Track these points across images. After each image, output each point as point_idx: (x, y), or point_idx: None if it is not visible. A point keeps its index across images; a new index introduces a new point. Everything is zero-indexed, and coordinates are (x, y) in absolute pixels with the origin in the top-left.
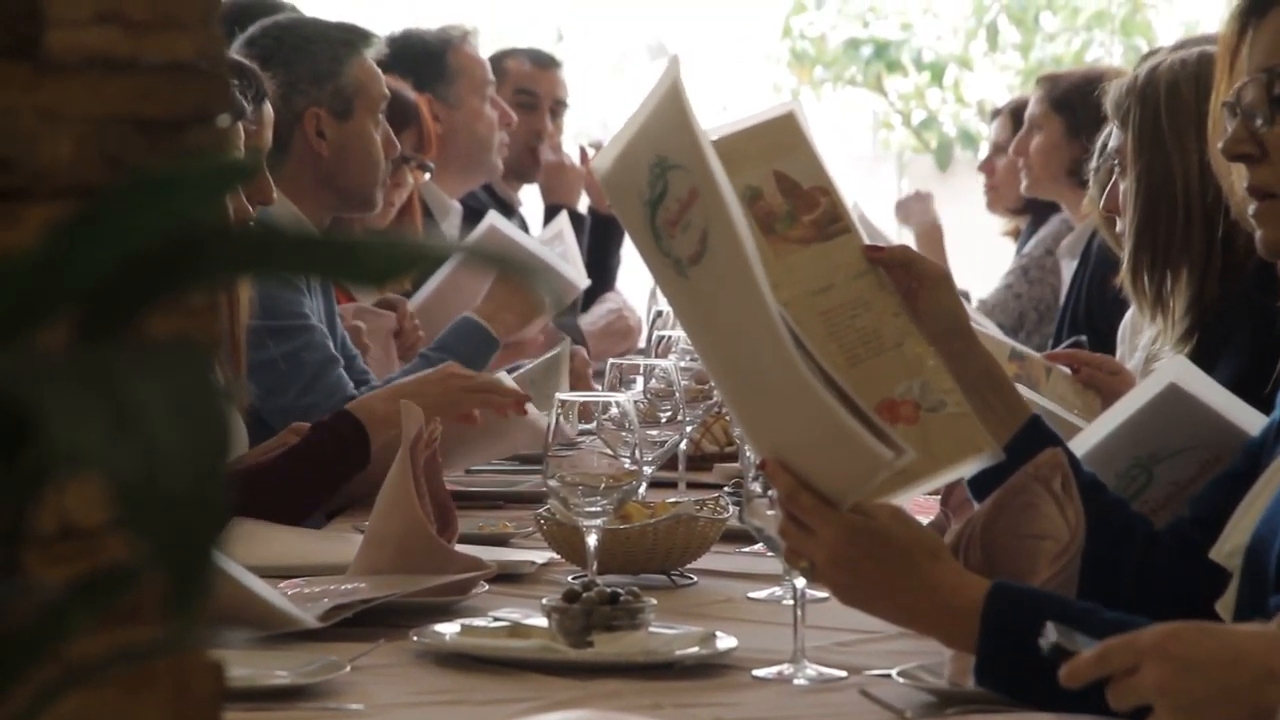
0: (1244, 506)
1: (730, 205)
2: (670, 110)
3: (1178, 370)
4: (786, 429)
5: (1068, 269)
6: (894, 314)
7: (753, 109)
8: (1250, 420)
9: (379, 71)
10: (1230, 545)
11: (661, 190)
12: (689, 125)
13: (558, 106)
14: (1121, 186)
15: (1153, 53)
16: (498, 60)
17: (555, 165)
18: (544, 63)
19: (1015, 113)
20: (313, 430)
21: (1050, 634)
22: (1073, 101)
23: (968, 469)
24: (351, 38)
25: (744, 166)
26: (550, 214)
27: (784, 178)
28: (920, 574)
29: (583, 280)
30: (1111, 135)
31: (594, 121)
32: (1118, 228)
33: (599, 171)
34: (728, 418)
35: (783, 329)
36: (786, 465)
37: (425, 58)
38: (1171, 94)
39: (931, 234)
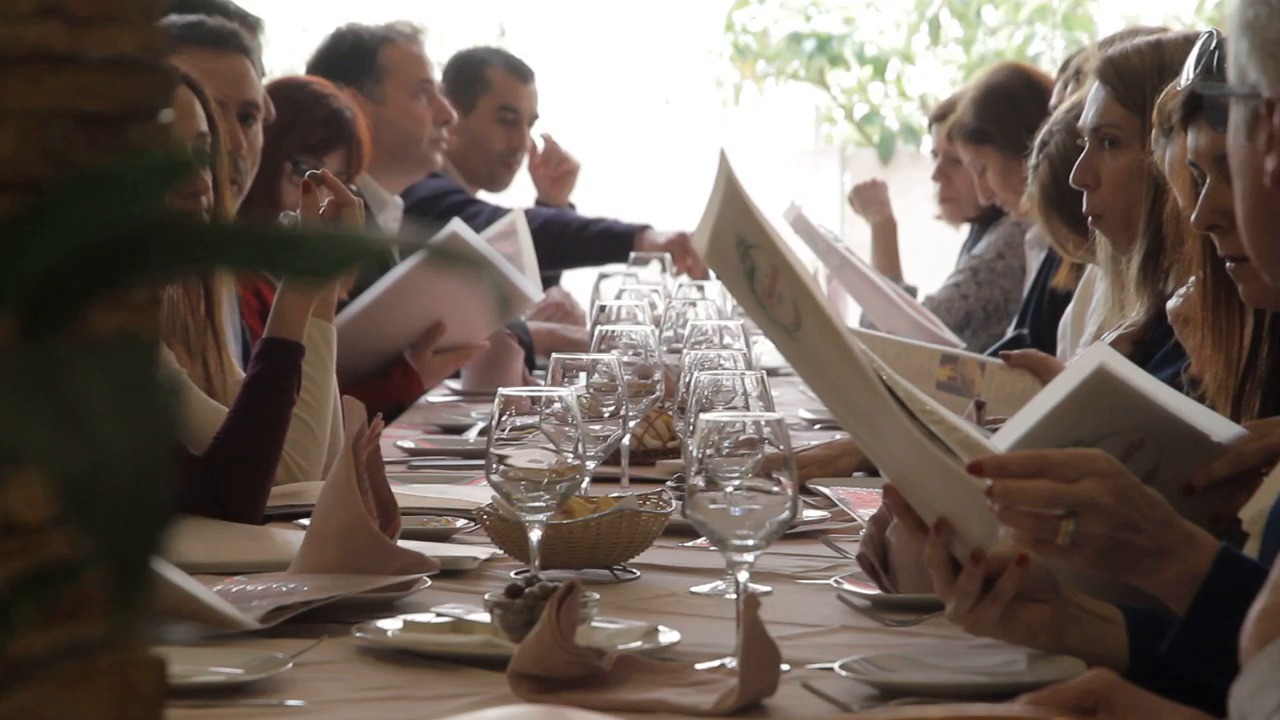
0: (1277, 471)
1: (806, 280)
2: (733, 198)
3: (1103, 355)
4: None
5: (1035, 259)
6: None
7: (695, 103)
8: (1175, 402)
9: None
10: (1255, 508)
11: (751, 266)
12: (752, 211)
13: (533, 120)
14: (1111, 164)
15: (1109, 40)
16: (478, 65)
17: (556, 161)
18: (525, 76)
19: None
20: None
21: None
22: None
23: None
24: None
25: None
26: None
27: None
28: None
29: (536, 293)
30: (1092, 114)
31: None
32: (1084, 206)
33: (700, 249)
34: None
35: (882, 391)
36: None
37: (355, 53)
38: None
39: (886, 228)
